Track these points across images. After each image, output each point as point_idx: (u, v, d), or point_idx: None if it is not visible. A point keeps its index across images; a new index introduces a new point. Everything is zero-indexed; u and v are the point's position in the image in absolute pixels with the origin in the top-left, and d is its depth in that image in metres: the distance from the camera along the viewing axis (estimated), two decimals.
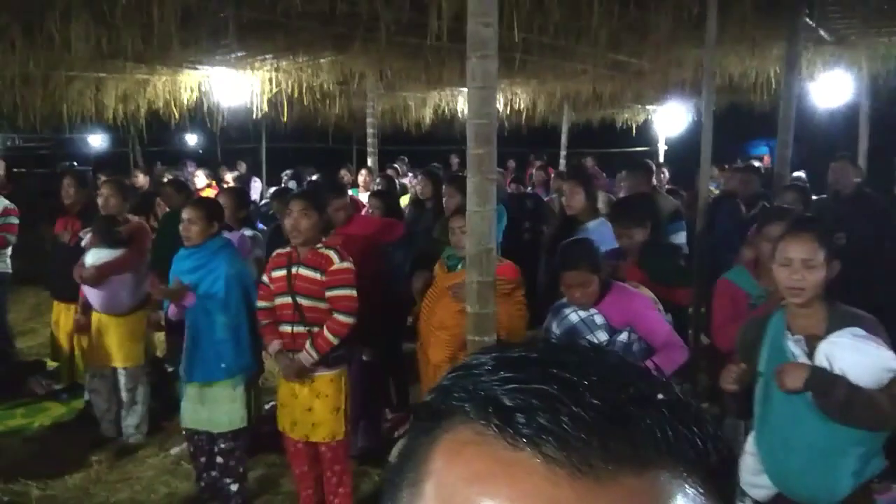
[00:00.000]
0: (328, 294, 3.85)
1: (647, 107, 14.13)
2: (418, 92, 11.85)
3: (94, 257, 5.04)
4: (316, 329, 3.86)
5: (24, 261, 7.10)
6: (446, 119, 13.38)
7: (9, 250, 6.67)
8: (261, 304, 4.05)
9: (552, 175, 10.00)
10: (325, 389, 3.92)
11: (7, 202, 6.65)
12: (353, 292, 3.88)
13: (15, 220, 6.61)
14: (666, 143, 14.95)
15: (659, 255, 4.34)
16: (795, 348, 2.66)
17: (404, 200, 8.04)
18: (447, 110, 12.79)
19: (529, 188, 10.30)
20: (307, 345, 3.85)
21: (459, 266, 4.09)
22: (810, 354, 2.61)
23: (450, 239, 4.30)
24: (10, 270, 6.77)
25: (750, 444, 2.87)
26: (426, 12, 5.50)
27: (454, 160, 13.51)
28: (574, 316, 3.47)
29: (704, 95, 5.42)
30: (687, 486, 0.48)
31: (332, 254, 3.89)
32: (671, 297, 3.98)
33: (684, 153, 11.99)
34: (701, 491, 0.48)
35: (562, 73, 9.50)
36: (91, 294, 5.10)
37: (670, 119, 14.39)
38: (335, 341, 3.84)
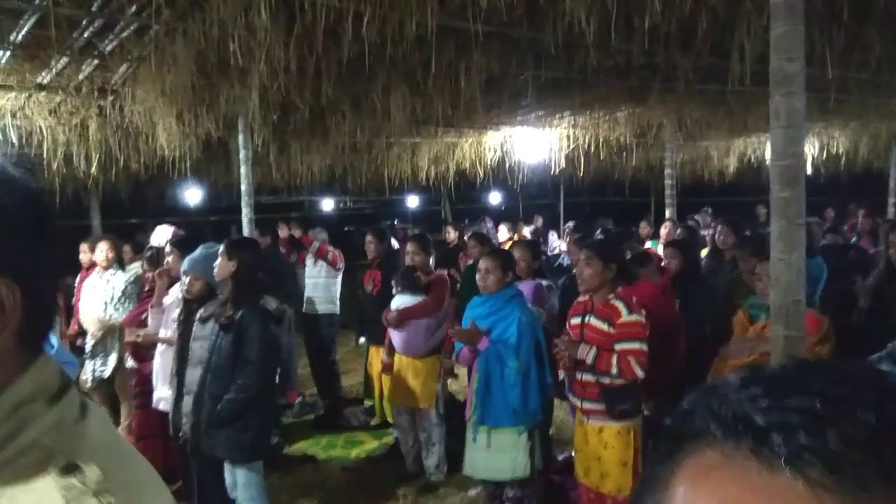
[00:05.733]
0: (617, 347, 3.79)
1: None
2: (720, 140, 11.35)
3: (398, 302, 5.53)
4: (605, 380, 3.81)
5: (348, 307, 7.96)
6: (752, 168, 12.62)
7: (337, 292, 7.54)
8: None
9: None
10: (612, 442, 3.85)
11: (333, 250, 7.63)
12: (644, 346, 3.77)
13: (340, 265, 7.56)
14: None
15: None
16: None
17: (704, 252, 7.68)
18: (753, 158, 12.07)
19: (853, 238, 9.31)
20: (592, 349, 3.81)
21: (763, 317, 3.80)
22: None
23: (755, 286, 4.00)
24: (338, 312, 7.66)
25: None
26: (727, 56, 5.29)
27: (761, 211, 12.63)
28: None
29: None
30: None
31: (620, 305, 3.85)
32: None
33: None
34: None
35: (888, 111, 8.53)
36: (394, 336, 5.56)
37: None
38: (614, 370, 3.75)
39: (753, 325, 3.95)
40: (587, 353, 3.82)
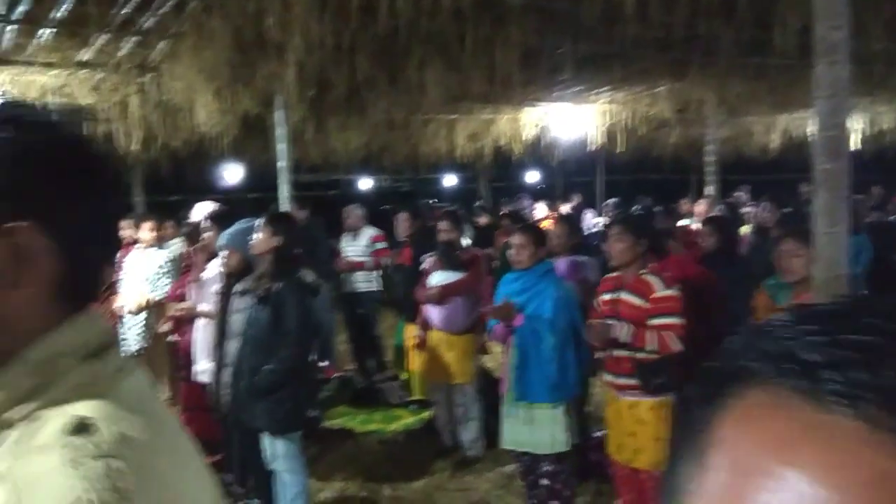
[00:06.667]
0: (653, 322, 3.76)
1: None
2: (763, 116, 11.12)
3: (438, 279, 5.52)
4: (639, 354, 3.79)
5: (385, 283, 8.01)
6: (795, 144, 12.35)
7: (378, 271, 7.60)
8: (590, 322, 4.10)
9: None
10: (647, 417, 3.82)
11: (374, 230, 7.63)
12: (680, 320, 3.75)
13: (382, 245, 7.53)
14: None
15: None
16: None
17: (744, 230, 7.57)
18: (796, 135, 11.81)
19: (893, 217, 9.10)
20: (627, 326, 3.78)
21: (782, 297, 3.75)
22: None
23: (778, 264, 3.89)
24: (378, 289, 7.73)
25: None
26: (771, 28, 5.17)
27: (804, 189, 12.37)
28: None
29: None
30: None
31: (654, 280, 3.82)
32: None
33: None
34: None
35: None
36: (432, 313, 5.57)
37: None
38: (652, 345, 3.72)
39: (776, 305, 3.86)
40: (622, 331, 3.79)
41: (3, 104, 0.83)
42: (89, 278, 0.84)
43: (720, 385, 0.44)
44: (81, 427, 0.71)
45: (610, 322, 3.86)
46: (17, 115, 0.79)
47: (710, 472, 0.43)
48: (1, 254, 0.75)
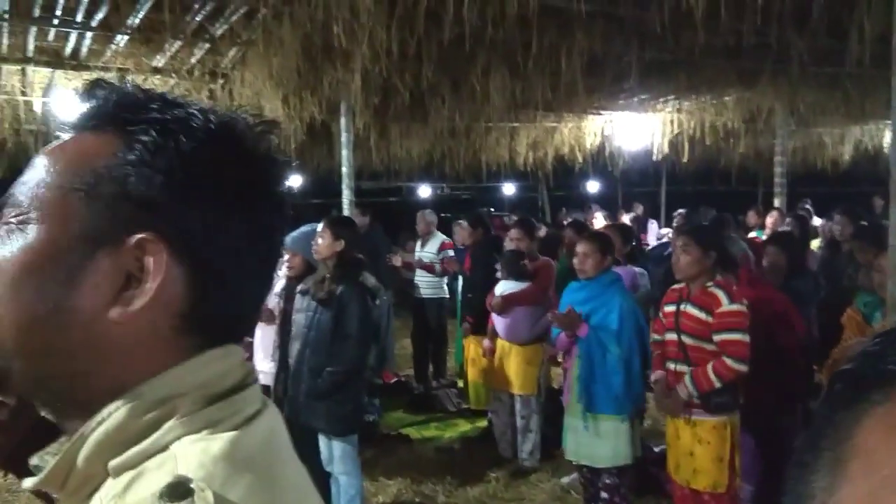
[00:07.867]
0: (717, 338, 3.64)
1: None
2: (835, 127, 10.80)
3: (503, 288, 5.49)
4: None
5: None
6: (869, 156, 11.95)
7: (444, 278, 7.63)
8: (654, 336, 4.02)
9: None
10: (707, 436, 3.69)
11: (444, 237, 7.71)
12: (745, 337, 3.60)
13: (452, 252, 7.55)
14: None
15: None
16: None
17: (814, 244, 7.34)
18: (870, 146, 11.43)
19: None
20: (686, 378, 3.68)
21: (878, 315, 3.58)
22: None
23: (873, 280, 3.75)
24: (446, 296, 7.77)
25: None
26: (845, 36, 5.02)
27: (878, 203, 11.92)
28: None
29: None
30: None
31: (721, 294, 3.68)
32: None
33: None
34: None
35: None
36: (497, 321, 5.55)
37: None
38: (717, 383, 3.60)
39: (870, 324, 3.70)
40: (687, 389, 3.68)
41: (150, 98, 0.67)
42: (228, 310, 0.72)
43: (863, 390, 0.41)
44: (178, 491, 0.59)
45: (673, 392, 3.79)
46: (168, 116, 0.69)
47: (852, 484, 0.40)
48: (113, 267, 0.65)
